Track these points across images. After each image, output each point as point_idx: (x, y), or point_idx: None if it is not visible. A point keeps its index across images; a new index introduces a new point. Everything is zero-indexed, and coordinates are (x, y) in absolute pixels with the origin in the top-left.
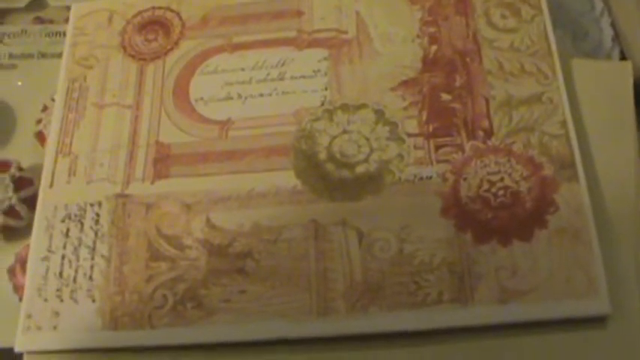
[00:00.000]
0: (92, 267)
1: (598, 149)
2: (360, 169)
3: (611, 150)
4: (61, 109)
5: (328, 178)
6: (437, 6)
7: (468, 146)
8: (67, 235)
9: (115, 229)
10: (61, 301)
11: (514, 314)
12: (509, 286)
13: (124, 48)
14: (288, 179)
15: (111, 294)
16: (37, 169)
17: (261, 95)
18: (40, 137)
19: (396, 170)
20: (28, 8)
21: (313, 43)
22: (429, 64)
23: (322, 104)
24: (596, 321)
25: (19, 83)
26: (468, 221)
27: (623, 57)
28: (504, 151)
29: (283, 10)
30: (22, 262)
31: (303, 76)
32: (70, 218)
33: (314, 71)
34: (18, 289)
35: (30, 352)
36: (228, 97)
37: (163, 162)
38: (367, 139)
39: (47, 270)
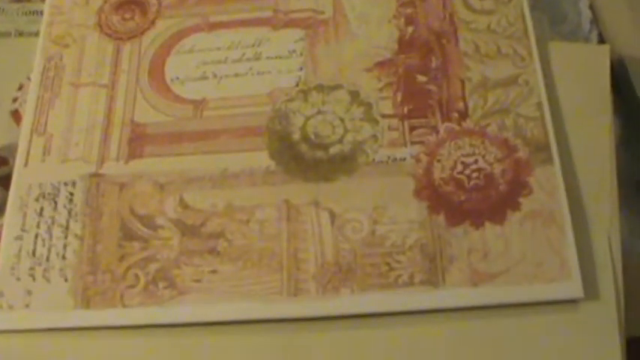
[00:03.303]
0: (65, 246)
1: (573, 132)
2: (333, 150)
3: (586, 133)
4: (37, 88)
5: (302, 158)
6: None
7: (442, 128)
8: (40, 214)
9: (88, 208)
10: (34, 280)
11: (485, 297)
12: (480, 268)
13: (101, 27)
14: (261, 160)
15: (83, 273)
16: (12, 148)
17: (237, 75)
18: (16, 116)
19: (369, 151)
20: None
21: (289, 23)
22: (405, 45)
23: (297, 85)
24: (568, 304)
25: None
26: (441, 203)
27: (601, 39)
28: (479, 133)
29: None
30: None
31: (279, 57)
32: (43, 197)
33: (289, 52)
34: None
35: (2, 331)
36: (204, 77)
37: (138, 141)
38: (342, 120)
39: (20, 249)
